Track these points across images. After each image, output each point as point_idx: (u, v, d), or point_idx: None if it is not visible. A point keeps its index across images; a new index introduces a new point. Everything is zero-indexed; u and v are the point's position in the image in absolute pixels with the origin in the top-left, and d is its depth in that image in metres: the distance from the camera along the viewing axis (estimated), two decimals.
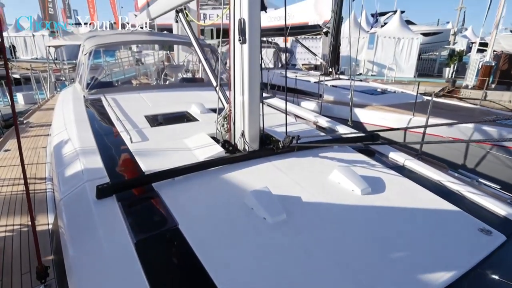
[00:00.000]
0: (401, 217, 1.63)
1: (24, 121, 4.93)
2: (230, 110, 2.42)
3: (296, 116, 3.36)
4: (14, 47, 23.60)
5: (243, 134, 2.29)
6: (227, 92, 2.91)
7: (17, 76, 14.97)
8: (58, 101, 4.62)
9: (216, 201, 1.67)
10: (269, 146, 2.30)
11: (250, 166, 2.07)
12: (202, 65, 7.03)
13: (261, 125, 2.37)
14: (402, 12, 18.75)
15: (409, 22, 20.54)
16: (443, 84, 14.44)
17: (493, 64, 13.27)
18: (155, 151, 2.28)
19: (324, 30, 8.15)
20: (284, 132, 2.78)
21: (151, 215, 1.57)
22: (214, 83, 2.94)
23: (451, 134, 4.64)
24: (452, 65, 17.69)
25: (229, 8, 2.11)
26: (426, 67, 19.37)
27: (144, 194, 1.71)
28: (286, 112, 2.21)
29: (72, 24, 29.07)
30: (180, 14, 3.59)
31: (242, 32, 2.04)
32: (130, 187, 1.72)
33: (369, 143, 2.56)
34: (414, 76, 16.75)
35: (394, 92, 6.92)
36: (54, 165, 2.32)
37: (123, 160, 2.16)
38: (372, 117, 5.42)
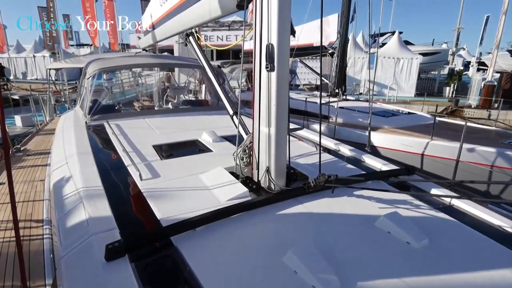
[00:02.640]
0: (469, 274, 1.35)
1: (21, 148, 4.64)
2: (252, 142, 2.17)
3: (315, 144, 3.11)
4: (3, 67, 23.38)
5: (268, 170, 2.03)
6: (243, 119, 2.68)
7: (15, 97, 14.82)
8: (58, 127, 4.37)
9: (249, 261, 1.39)
10: (298, 185, 2.04)
11: (280, 210, 1.79)
12: (206, 86, 6.88)
13: (288, 160, 2.11)
14: (400, 32, 19.01)
15: (407, 43, 20.82)
16: (447, 104, 14.38)
17: (495, 83, 13.31)
18: (169, 192, 2.00)
19: (329, 52, 8.08)
20: (309, 164, 2.54)
21: (173, 282, 1.28)
22: (231, 111, 2.71)
23: (473, 159, 4.40)
24: (452, 84, 17.77)
25: (254, 32, 1.91)
26: (426, 87, 19.45)
27: (162, 251, 1.43)
28: (320, 146, 1.96)
29: (74, 45, 29.44)
30: (191, 38, 3.42)
31: (270, 59, 1.82)
32: (145, 245, 1.44)
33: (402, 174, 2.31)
34: (415, 96, 16.79)
35: (405, 113, 6.75)
36: (53, 209, 2.04)
37: (133, 204, 1.88)
38: (388, 141, 5.20)
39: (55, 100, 8.55)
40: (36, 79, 24.64)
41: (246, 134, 2.42)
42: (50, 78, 8.00)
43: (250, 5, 2.06)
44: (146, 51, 6.34)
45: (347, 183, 1.95)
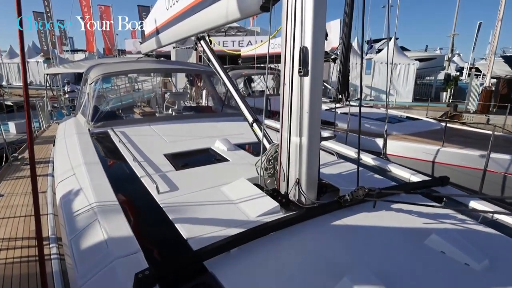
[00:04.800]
0: None
1: (19, 157, 4.41)
2: (278, 152, 2.03)
3: (334, 152, 2.97)
4: None
5: (298, 182, 1.89)
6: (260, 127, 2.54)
7: (9, 103, 14.47)
8: (58, 135, 4.17)
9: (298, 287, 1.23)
10: (329, 198, 1.90)
11: (318, 226, 1.64)
12: (208, 92, 6.72)
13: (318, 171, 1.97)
14: (396, 38, 19.17)
15: (403, 49, 21.02)
16: (446, 109, 14.45)
17: (493, 89, 13.43)
18: (191, 207, 1.84)
19: (332, 57, 8.01)
20: (335, 174, 2.39)
21: None
22: (250, 119, 2.56)
23: (489, 167, 4.30)
24: (449, 90, 17.93)
25: (285, 34, 1.77)
26: (423, 92, 19.61)
27: (197, 278, 1.26)
28: (358, 160, 1.81)
29: (68, 51, 29.15)
30: (202, 42, 3.28)
31: (304, 63, 1.69)
32: (177, 271, 1.27)
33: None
34: (412, 101, 16.90)
35: (411, 119, 6.68)
36: (63, 227, 1.85)
37: (155, 222, 1.71)
38: (398, 147, 5.09)
39: (51, 106, 8.31)
40: (30, 84, 24.25)
41: (269, 143, 2.28)
42: (47, 84, 7.76)
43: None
44: (148, 56, 6.19)
45: (387, 196, 1.80)
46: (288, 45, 1.77)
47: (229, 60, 17.97)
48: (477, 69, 19.17)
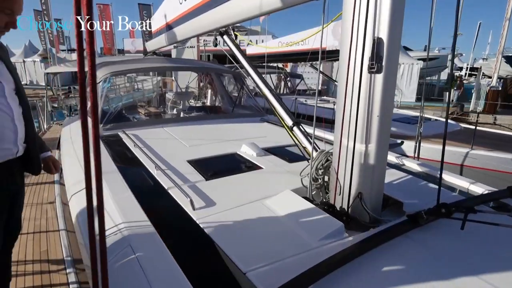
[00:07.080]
0: None
1: None
2: (337, 161, 1.75)
3: None
4: None
5: (361, 196, 1.61)
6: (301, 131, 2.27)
7: None
8: (64, 139, 3.85)
9: None
10: (396, 214, 1.63)
11: (392, 250, 1.35)
12: (218, 91, 6.43)
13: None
14: None
15: (406, 48, 20.85)
16: (452, 109, 14.27)
17: (500, 88, 13.29)
18: (236, 227, 1.55)
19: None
20: (386, 183, 2.12)
21: None
22: (289, 122, 2.28)
23: None
24: (452, 89, 17.76)
25: (352, 22, 1.49)
26: (426, 91, 19.43)
27: None
28: (440, 174, 1.54)
29: (65, 50, 28.66)
30: (225, 37, 2.99)
31: (377, 57, 1.41)
32: None
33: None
34: (416, 100, 16.72)
35: (430, 120, 6.43)
36: (84, 251, 1.56)
37: (201, 249, 1.42)
38: (423, 150, 4.82)
39: (51, 106, 7.97)
40: (26, 84, 23.75)
41: (315, 149, 2.01)
42: (47, 83, 7.41)
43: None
44: (156, 54, 5.89)
45: (476, 214, 1.52)
46: (354, 36, 1.50)
47: (229, 60, 17.68)
48: (476, 69, 19.11)
